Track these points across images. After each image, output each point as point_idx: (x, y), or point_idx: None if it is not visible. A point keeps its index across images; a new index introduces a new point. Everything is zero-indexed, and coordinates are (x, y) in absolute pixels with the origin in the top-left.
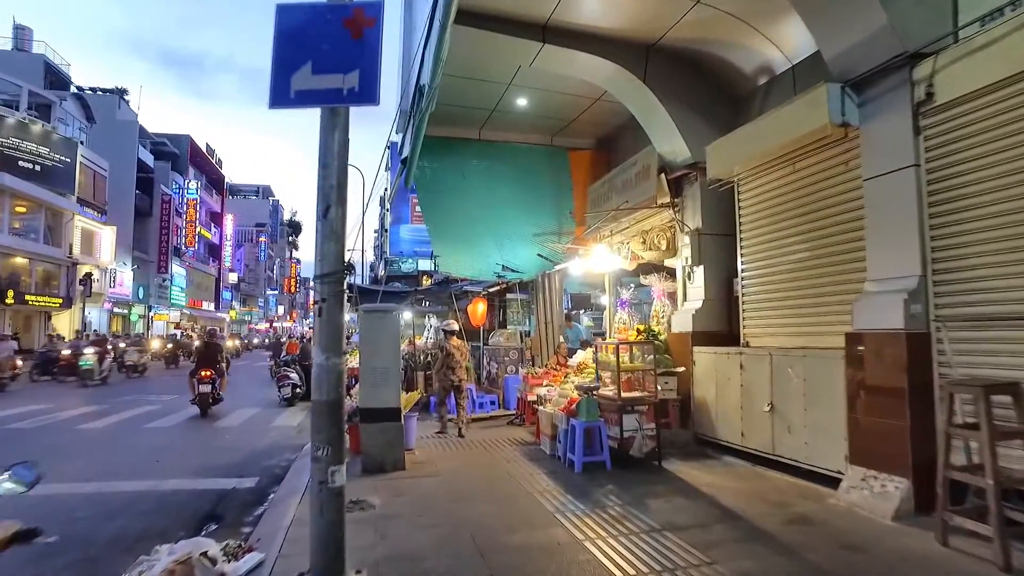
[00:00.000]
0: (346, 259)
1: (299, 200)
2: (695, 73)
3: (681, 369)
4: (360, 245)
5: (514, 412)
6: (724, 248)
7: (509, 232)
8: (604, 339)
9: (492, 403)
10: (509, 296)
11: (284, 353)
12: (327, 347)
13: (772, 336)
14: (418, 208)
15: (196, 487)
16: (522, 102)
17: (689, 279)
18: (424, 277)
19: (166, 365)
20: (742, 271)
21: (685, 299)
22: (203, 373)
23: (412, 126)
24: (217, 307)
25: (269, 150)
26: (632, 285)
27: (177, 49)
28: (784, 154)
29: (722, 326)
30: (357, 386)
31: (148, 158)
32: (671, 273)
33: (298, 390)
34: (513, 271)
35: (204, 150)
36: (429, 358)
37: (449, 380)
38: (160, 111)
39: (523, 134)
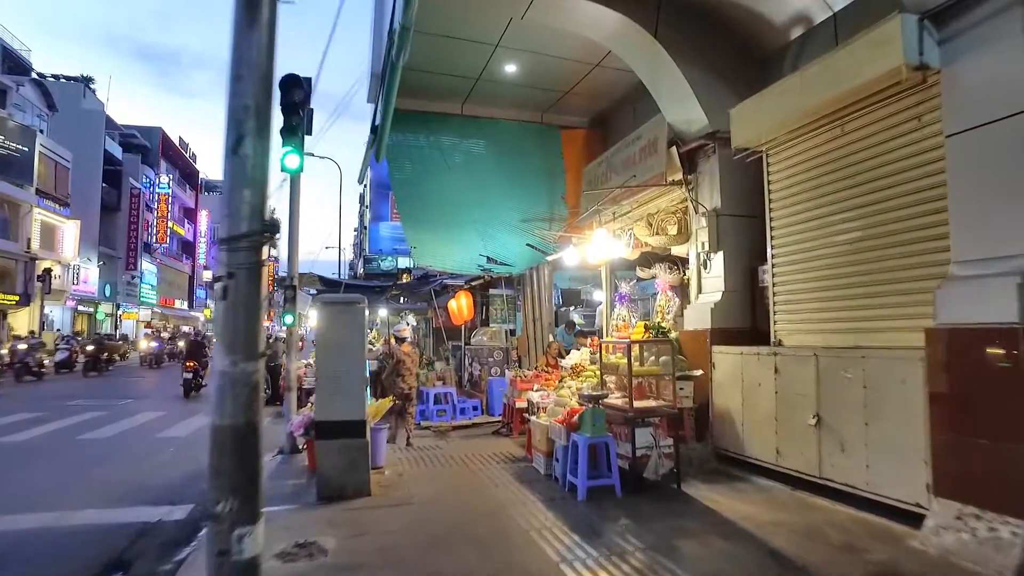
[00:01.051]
0: (268, 215)
1: (277, 199)
2: (714, 26)
3: (699, 372)
4: (337, 241)
5: (499, 419)
6: (747, 231)
7: (494, 219)
8: (599, 338)
9: (475, 408)
10: (492, 292)
11: None
12: (234, 345)
13: (812, 333)
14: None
15: (112, 519)
16: (511, 69)
17: (705, 268)
18: (404, 275)
19: (84, 371)
20: (772, 257)
21: (700, 291)
22: (188, 364)
23: (383, 89)
24: (191, 305)
25: None
26: (632, 279)
27: (152, 44)
28: (833, 112)
29: (744, 322)
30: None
31: (116, 150)
32: (676, 263)
33: (263, 393)
34: (500, 264)
35: (177, 143)
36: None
37: (399, 388)
38: (134, 106)
39: (511, 109)
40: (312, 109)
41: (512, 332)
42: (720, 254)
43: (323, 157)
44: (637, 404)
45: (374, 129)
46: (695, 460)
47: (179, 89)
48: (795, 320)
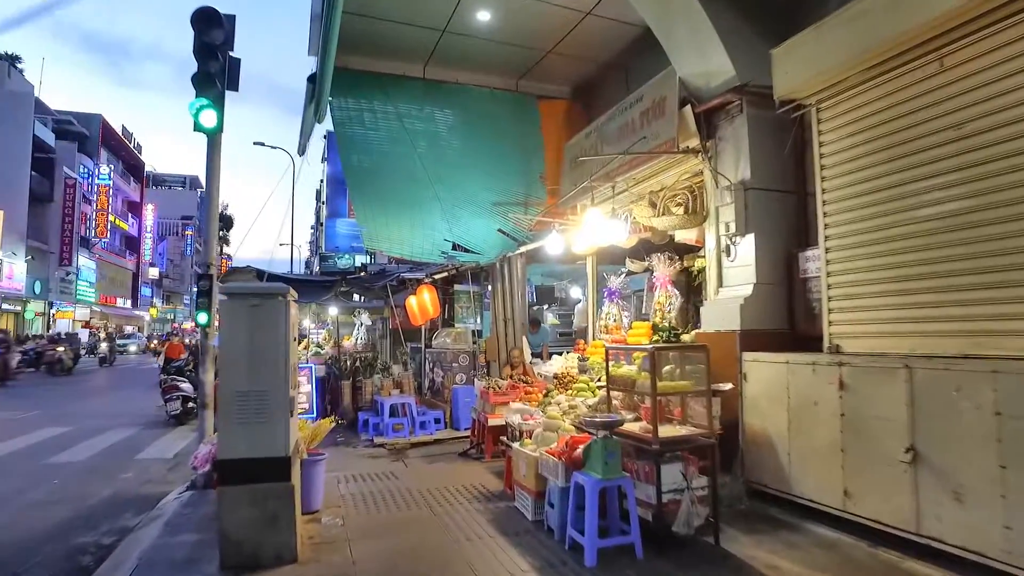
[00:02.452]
0: None
1: (231, 193)
2: None
3: (728, 387)
4: (290, 237)
5: (466, 435)
6: (783, 209)
7: (462, 200)
8: (583, 341)
9: (437, 422)
10: (457, 288)
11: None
12: None
13: (889, 337)
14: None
15: None
16: (484, 17)
17: (728, 255)
18: (363, 272)
19: None
20: (826, 240)
21: (721, 284)
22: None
23: (324, 18)
24: (135, 304)
25: (201, 144)
26: (622, 272)
27: (99, 32)
28: (929, 40)
29: (780, 322)
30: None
31: (48, 136)
32: (676, 254)
33: (191, 404)
34: (467, 251)
35: (120, 132)
36: (358, 363)
37: None
38: (82, 96)
39: (482, 74)
40: (239, 59)
41: (478, 333)
42: (750, 237)
43: (274, 147)
44: (663, 432)
45: (312, 77)
46: (723, 498)
47: (130, 81)
48: (861, 319)
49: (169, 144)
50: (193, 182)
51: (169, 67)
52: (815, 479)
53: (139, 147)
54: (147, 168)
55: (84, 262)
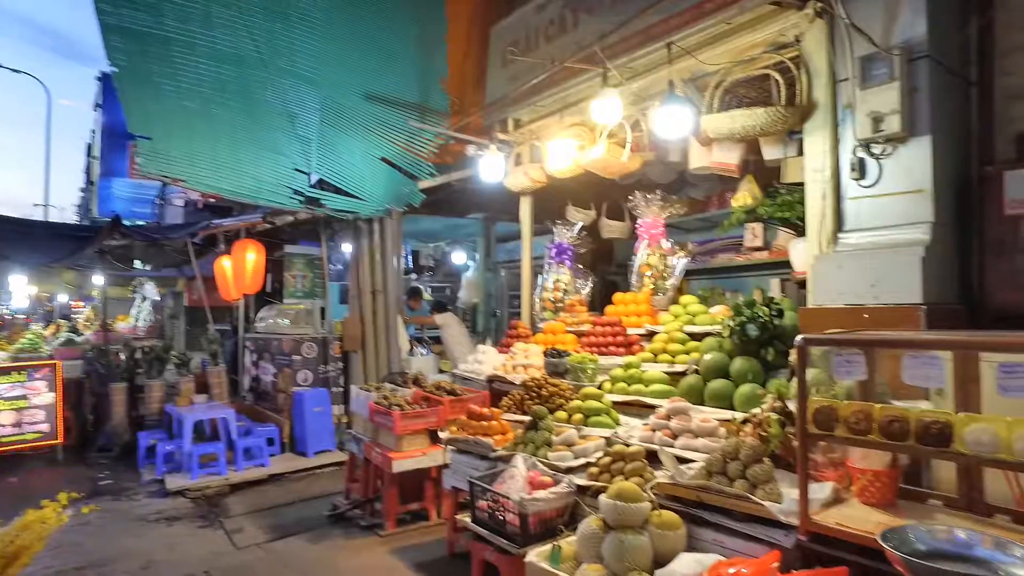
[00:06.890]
0: None
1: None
2: None
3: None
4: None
5: (318, 466)
6: (960, 103)
7: (327, 108)
8: (521, 322)
9: (271, 443)
10: (291, 249)
11: None
12: None
13: None
14: (138, 160)
15: None
16: None
17: (858, 175)
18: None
19: None
20: None
21: (840, 227)
22: None
23: None
24: None
25: None
26: (578, 224)
27: (72, 33)
28: None
29: (951, 290)
30: None
31: None
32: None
33: None
34: (340, 192)
35: None
36: (138, 355)
37: None
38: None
39: None
40: None
41: (322, 311)
42: (920, 143)
43: (17, 71)
44: None
45: None
46: None
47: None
48: None
49: None
50: None
51: None
52: None
53: None
54: None
55: None
